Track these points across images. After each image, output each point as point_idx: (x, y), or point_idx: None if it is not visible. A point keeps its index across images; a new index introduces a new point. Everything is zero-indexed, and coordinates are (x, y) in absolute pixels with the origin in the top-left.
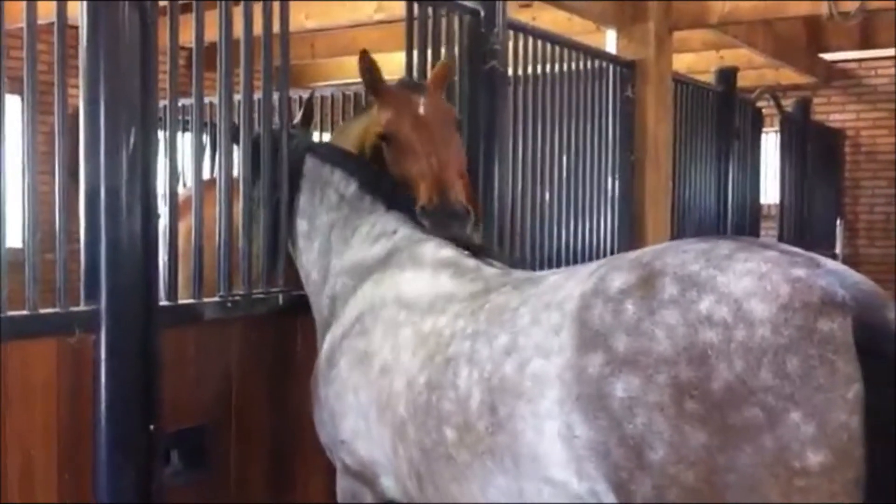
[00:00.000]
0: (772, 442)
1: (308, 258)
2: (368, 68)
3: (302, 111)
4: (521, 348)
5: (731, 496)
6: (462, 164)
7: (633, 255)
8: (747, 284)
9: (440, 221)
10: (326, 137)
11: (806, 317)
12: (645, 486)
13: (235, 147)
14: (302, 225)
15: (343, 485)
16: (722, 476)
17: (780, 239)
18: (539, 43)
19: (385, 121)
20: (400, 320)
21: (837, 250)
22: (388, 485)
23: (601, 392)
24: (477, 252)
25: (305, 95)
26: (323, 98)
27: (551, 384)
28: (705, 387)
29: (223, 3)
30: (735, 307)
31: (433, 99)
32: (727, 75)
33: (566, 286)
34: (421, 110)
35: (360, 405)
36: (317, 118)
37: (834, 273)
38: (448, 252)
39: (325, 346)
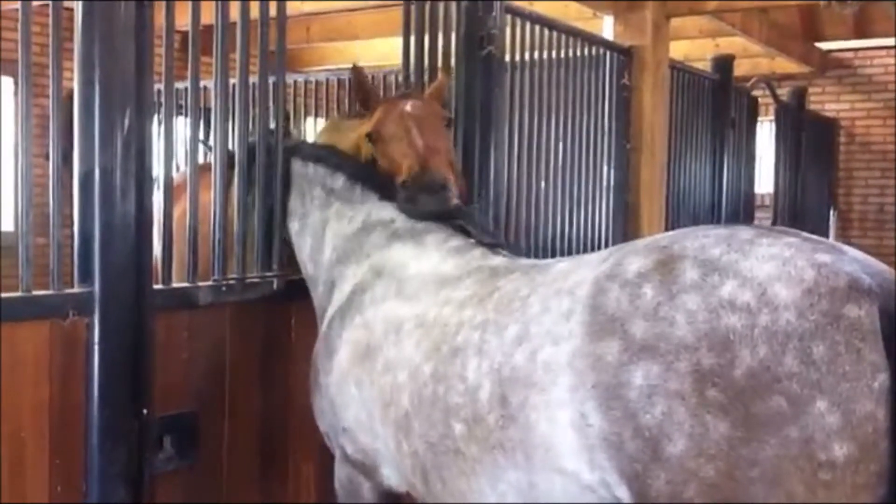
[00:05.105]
0: (796, 432)
1: (304, 255)
2: (360, 83)
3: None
4: (532, 336)
5: (753, 492)
6: (450, 154)
7: (648, 239)
8: (771, 269)
9: (417, 196)
10: (321, 123)
11: (832, 302)
12: (660, 480)
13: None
14: (294, 226)
15: (342, 473)
16: (745, 471)
17: None
18: (536, 28)
19: (374, 123)
20: (403, 310)
21: (830, 240)
22: (389, 473)
23: (619, 380)
24: (484, 241)
25: (301, 80)
26: (318, 83)
27: (563, 371)
28: (728, 374)
29: None
30: (759, 291)
31: (422, 100)
32: (723, 63)
33: (577, 272)
34: (408, 108)
35: (362, 398)
36: (311, 103)
37: (858, 260)
38: (455, 242)
39: (323, 334)
